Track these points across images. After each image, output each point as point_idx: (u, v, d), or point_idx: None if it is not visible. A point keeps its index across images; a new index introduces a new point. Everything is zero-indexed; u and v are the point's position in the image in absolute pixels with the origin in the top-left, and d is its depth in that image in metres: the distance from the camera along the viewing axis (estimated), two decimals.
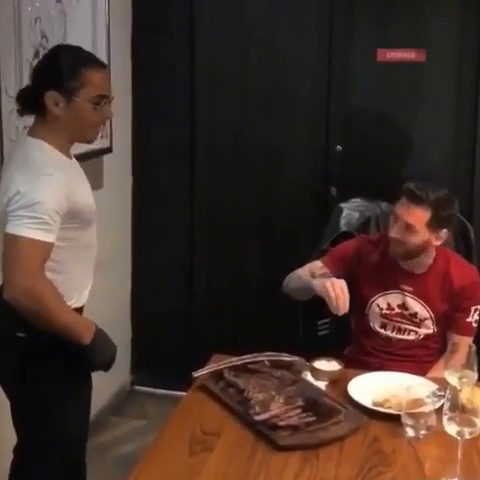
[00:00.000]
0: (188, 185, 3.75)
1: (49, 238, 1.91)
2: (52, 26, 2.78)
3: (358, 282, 2.62)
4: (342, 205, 3.01)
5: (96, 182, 3.35)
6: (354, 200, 3.01)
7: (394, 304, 2.58)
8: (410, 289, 2.56)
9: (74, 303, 2.10)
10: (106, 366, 2.10)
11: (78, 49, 2.11)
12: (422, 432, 1.85)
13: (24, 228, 1.87)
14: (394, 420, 1.92)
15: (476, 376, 1.95)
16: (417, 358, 2.57)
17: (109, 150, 3.35)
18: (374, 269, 2.60)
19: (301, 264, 2.74)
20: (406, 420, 1.85)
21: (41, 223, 1.89)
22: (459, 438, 1.69)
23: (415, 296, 2.55)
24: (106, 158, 3.38)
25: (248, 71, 3.63)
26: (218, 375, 2.18)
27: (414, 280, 2.56)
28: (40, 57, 2.62)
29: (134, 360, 3.97)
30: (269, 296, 3.57)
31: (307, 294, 2.54)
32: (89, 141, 2.13)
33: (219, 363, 2.22)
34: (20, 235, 1.88)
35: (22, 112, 2.09)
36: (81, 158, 2.77)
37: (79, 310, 2.14)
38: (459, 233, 2.89)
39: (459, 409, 1.72)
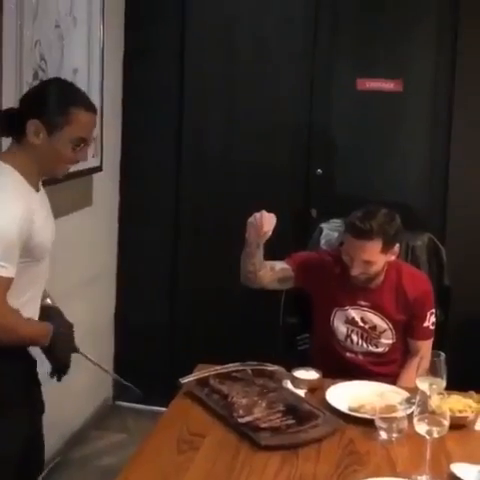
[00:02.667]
0: (173, 204, 3.88)
1: (6, 273, 1.86)
2: (50, 49, 2.90)
3: (319, 295, 2.71)
4: (322, 225, 3.15)
5: (85, 200, 3.47)
6: (334, 220, 3.14)
7: (356, 318, 2.66)
8: (367, 304, 2.65)
9: None
10: (62, 367, 2.10)
11: (72, 86, 2.09)
12: (394, 435, 1.99)
13: None
14: (368, 424, 2.05)
15: (444, 383, 2.09)
16: (385, 373, 2.64)
17: (99, 169, 3.46)
18: (334, 284, 2.67)
19: None
20: (380, 424, 2.00)
21: None
22: (428, 437, 1.82)
23: (372, 310, 2.64)
24: (96, 176, 3.50)
25: (234, 96, 3.78)
26: (203, 382, 2.28)
27: (370, 294, 2.64)
28: (39, 79, 2.77)
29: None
30: (250, 312, 3.68)
31: (250, 258, 2.62)
32: (56, 176, 2.08)
33: (204, 371, 2.34)
34: None
35: (1, 132, 2.08)
36: (72, 176, 2.90)
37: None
38: (432, 254, 3.04)
39: (429, 412, 1.85)
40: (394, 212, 2.59)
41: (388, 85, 3.56)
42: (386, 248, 2.53)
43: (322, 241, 3.08)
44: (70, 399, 3.47)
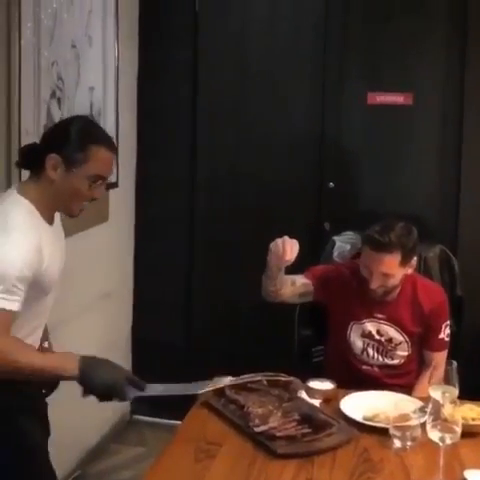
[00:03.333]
0: (188, 219, 3.93)
1: (13, 306, 1.86)
2: (67, 69, 2.97)
3: (337, 308, 2.75)
4: (335, 238, 3.18)
5: (102, 215, 3.52)
6: (346, 233, 3.18)
7: (373, 331, 2.70)
8: (383, 316, 2.68)
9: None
10: (105, 391, 1.94)
11: (94, 124, 2.14)
12: (408, 443, 2.03)
13: None
14: (383, 433, 2.08)
15: (457, 391, 2.12)
16: (401, 384, 2.66)
17: (115, 185, 3.52)
18: (350, 297, 2.71)
19: None
20: (394, 432, 2.03)
21: (5, 292, 1.83)
22: (441, 443, 1.85)
23: (388, 322, 2.68)
24: (112, 192, 3.55)
25: (246, 112, 3.83)
26: (220, 393, 2.32)
27: (386, 307, 2.68)
28: (56, 97, 2.84)
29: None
30: (265, 325, 3.71)
31: (271, 280, 2.64)
32: (71, 215, 2.05)
33: (220, 382, 2.37)
34: None
35: (20, 165, 2.07)
36: None
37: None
38: (444, 264, 3.07)
39: (441, 419, 1.88)
40: (411, 225, 2.62)
41: (398, 98, 3.60)
42: (404, 261, 2.56)
43: (335, 253, 3.11)
44: (88, 413, 3.50)
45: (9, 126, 2.63)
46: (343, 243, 3.13)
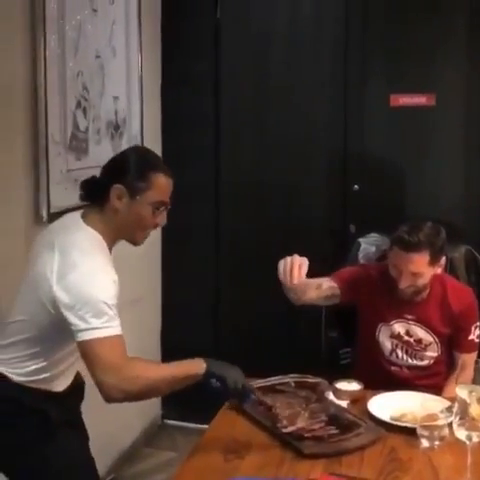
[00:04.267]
0: (214, 225, 3.97)
1: (118, 330, 1.93)
2: (92, 79, 3.03)
3: (365, 310, 2.75)
4: (360, 240, 3.19)
5: None
6: (371, 235, 3.19)
7: (402, 332, 2.69)
8: (412, 317, 2.68)
9: (57, 387, 2.11)
10: (239, 387, 2.02)
11: (151, 153, 2.20)
12: (436, 443, 2.02)
13: (93, 332, 1.88)
14: (410, 433, 2.09)
15: None
16: (430, 385, 2.64)
17: None
18: (381, 295, 2.70)
19: None
20: (421, 432, 2.03)
21: (108, 321, 1.90)
22: (468, 442, 1.86)
23: (418, 323, 2.67)
24: None
25: (269, 117, 3.86)
26: None
27: (415, 308, 2.67)
28: (82, 107, 2.89)
29: (164, 395, 4.11)
30: (292, 328, 3.73)
31: (288, 292, 2.57)
32: (136, 243, 2.13)
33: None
34: (88, 340, 1.89)
35: (84, 198, 2.11)
36: None
37: (60, 394, 2.12)
38: (470, 265, 3.06)
39: (468, 418, 1.89)
40: (439, 225, 2.62)
41: (421, 100, 3.60)
42: (433, 260, 2.56)
43: (360, 255, 3.12)
44: (120, 418, 3.56)
45: (36, 135, 2.69)
46: (368, 245, 3.14)
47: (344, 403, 2.35)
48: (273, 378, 2.42)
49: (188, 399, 3.97)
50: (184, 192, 3.90)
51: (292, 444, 2.05)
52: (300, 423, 2.12)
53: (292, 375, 2.44)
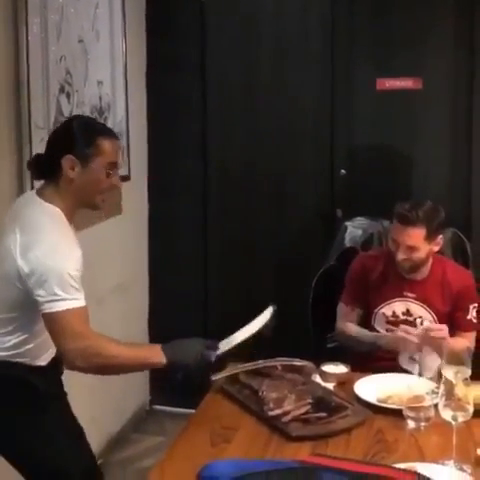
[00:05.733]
0: (201, 211, 3.95)
1: (83, 302, 1.99)
2: (75, 63, 3.00)
3: (365, 294, 2.80)
4: (347, 223, 3.20)
5: (115, 208, 3.55)
6: (358, 218, 3.20)
7: (399, 312, 2.74)
8: (413, 295, 2.74)
9: (40, 361, 2.15)
10: (197, 368, 2.09)
11: (93, 119, 2.27)
12: (422, 424, 2.04)
13: (60, 304, 1.94)
14: (397, 414, 2.10)
15: (469, 372, 2.12)
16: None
17: (128, 178, 3.55)
18: (378, 280, 2.79)
19: (309, 282, 3.03)
20: (407, 413, 2.05)
21: (74, 292, 1.96)
22: (453, 422, 1.86)
23: (418, 301, 2.73)
24: (125, 185, 3.56)
25: (256, 102, 3.85)
26: (234, 379, 2.35)
27: (415, 286, 2.75)
28: (65, 92, 2.87)
29: (152, 381, 4.12)
30: (280, 312, 3.71)
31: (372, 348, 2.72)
32: (96, 207, 2.17)
33: (234, 368, 2.40)
34: (55, 311, 1.95)
35: (36, 176, 2.18)
36: None
37: (43, 368, 2.15)
38: (457, 248, 3.07)
39: (454, 398, 1.89)
40: (440, 207, 2.72)
41: (407, 83, 3.60)
42: (430, 236, 2.65)
43: (347, 238, 3.13)
44: (109, 404, 3.56)
45: (19, 121, 2.66)
46: (355, 228, 3.16)
47: (331, 386, 2.35)
48: (260, 361, 2.41)
49: (176, 384, 4.01)
50: (171, 177, 3.95)
51: (278, 427, 2.05)
52: (287, 406, 2.12)
53: (279, 358, 2.43)
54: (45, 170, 2.11)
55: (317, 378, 2.39)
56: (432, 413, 2.04)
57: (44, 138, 2.73)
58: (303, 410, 2.11)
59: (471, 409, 1.89)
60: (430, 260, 2.74)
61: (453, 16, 3.56)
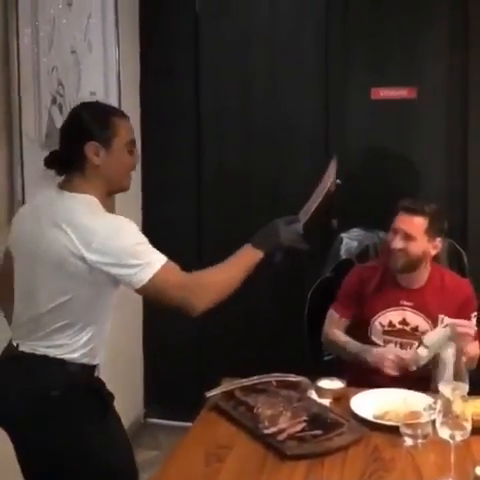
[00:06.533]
0: (195, 218, 3.92)
1: (164, 257, 2.03)
2: (67, 74, 2.97)
3: (361, 306, 2.78)
4: (342, 235, 3.17)
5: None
6: (353, 230, 3.17)
7: (395, 321, 2.72)
8: (410, 304, 2.71)
9: (97, 360, 2.13)
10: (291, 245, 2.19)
11: (99, 103, 2.23)
12: (419, 441, 2.00)
13: (147, 271, 1.96)
14: (393, 431, 2.06)
15: (467, 387, 2.09)
16: (418, 375, 2.61)
17: None
18: (375, 290, 2.76)
19: (305, 294, 3.01)
20: (404, 430, 2.01)
21: (153, 253, 2.00)
22: (451, 441, 1.83)
23: (415, 310, 2.70)
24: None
25: (250, 111, 3.82)
26: (229, 395, 2.31)
27: (413, 295, 2.72)
28: (57, 104, 2.83)
29: (147, 394, 4.09)
30: (276, 325, 3.70)
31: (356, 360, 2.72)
32: (125, 188, 2.15)
33: (229, 384, 2.36)
34: (149, 278, 1.97)
35: (61, 171, 2.09)
36: None
37: (84, 367, 2.10)
38: (453, 258, 3.04)
39: (451, 416, 1.86)
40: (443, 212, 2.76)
41: (402, 93, 3.58)
42: (430, 231, 2.65)
43: (342, 250, 3.11)
44: None
45: (10, 132, 2.63)
46: (350, 240, 3.13)
47: (326, 402, 2.32)
48: (254, 377, 2.38)
49: (170, 397, 3.99)
50: (165, 185, 3.92)
51: (274, 445, 2.02)
52: (282, 424, 2.09)
53: (274, 374, 2.40)
54: (68, 163, 2.06)
55: (313, 394, 2.35)
56: (429, 430, 2.00)
57: (36, 150, 2.71)
58: (299, 428, 2.08)
59: (469, 427, 1.85)
60: (428, 267, 2.72)
61: (448, 27, 3.55)
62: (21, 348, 2.06)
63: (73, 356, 2.05)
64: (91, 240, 1.93)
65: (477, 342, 2.69)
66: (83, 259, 1.94)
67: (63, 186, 2.07)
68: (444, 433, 1.84)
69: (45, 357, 2.03)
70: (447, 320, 2.53)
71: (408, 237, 2.63)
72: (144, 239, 2.01)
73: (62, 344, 2.04)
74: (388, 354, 2.58)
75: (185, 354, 3.96)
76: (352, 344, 2.74)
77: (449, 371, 2.31)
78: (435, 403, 2.14)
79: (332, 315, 2.85)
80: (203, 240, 3.95)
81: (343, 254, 3.09)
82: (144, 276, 1.96)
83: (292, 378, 2.41)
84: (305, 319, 3.06)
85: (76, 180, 2.05)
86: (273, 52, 3.78)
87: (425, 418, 2.05)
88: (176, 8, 3.83)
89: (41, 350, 2.04)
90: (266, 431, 2.07)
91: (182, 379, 3.96)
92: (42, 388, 2.00)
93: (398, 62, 3.61)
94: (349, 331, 2.83)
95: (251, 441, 2.08)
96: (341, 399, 2.34)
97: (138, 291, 1.99)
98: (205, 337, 3.96)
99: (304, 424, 2.10)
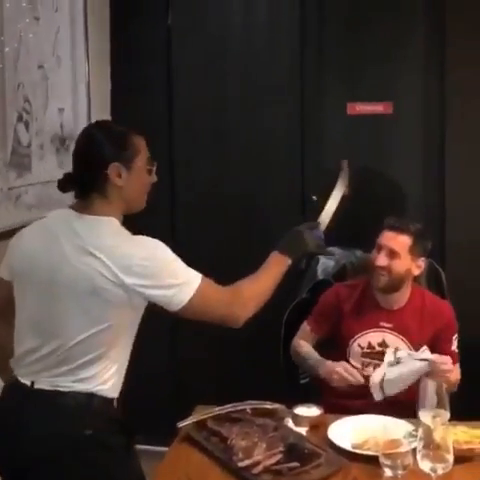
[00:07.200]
0: (169, 238, 3.79)
1: (198, 275, 2.01)
2: (34, 90, 2.88)
3: (339, 325, 2.72)
4: (319, 255, 3.09)
5: None
6: (330, 249, 3.10)
7: (374, 342, 2.66)
8: (389, 325, 2.66)
9: (117, 393, 2.04)
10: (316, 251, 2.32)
11: (108, 121, 2.17)
12: (400, 472, 1.93)
13: (186, 291, 1.95)
14: (373, 461, 1.98)
15: (448, 415, 2.03)
16: (398, 399, 2.57)
17: None
18: (353, 310, 2.71)
19: (280, 316, 2.93)
20: (384, 461, 1.94)
21: (187, 273, 1.99)
22: (433, 474, 1.76)
23: (395, 332, 2.65)
24: None
25: (224, 127, 3.74)
26: (202, 425, 2.22)
27: (392, 316, 2.67)
28: (23, 121, 2.74)
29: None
30: (252, 348, 3.61)
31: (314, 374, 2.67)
32: (141, 208, 2.10)
33: (202, 413, 2.28)
34: (189, 298, 1.95)
35: (80, 195, 2.00)
36: None
37: (112, 401, 2.02)
38: (432, 278, 2.99)
39: (433, 446, 1.79)
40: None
41: (378, 108, 3.54)
42: (413, 250, 2.64)
43: (319, 270, 3.04)
44: None
45: None
46: (327, 259, 3.06)
47: (303, 430, 2.25)
48: (229, 405, 2.30)
49: (147, 423, 3.87)
50: None
51: (248, 479, 1.93)
52: (257, 456, 2.01)
53: (248, 402, 2.32)
54: (88, 186, 1.98)
55: (289, 422, 2.28)
56: (410, 460, 1.93)
57: (0, 170, 2.62)
58: (274, 460, 2.00)
59: (451, 458, 1.79)
60: (408, 288, 2.69)
61: (424, 41, 3.50)
62: (38, 385, 1.92)
63: (103, 388, 1.95)
64: (129, 264, 1.88)
65: (457, 366, 2.64)
66: (122, 285, 1.88)
67: (81, 209, 1.98)
68: (425, 466, 1.78)
69: (72, 393, 1.91)
70: (427, 354, 2.49)
71: (392, 254, 2.61)
72: (176, 256, 1.99)
73: (90, 376, 1.93)
74: (337, 366, 2.51)
75: (160, 379, 3.84)
76: (311, 356, 2.71)
77: (430, 400, 2.25)
78: (416, 430, 2.09)
79: (304, 328, 2.82)
80: (177, 252, 3.84)
81: (320, 274, 3.03)
82: (184, 296, 1.94)
83: (268, 405, 2.33)
84: (281, 341, 2.98)
85: (97, 202, 1.97)
86: (247, 66, 3.70)
87: (405, 447, 1.97)
88: (148, 21, 3.75)
89: (66, 385, 1.91)
90: (240, 464, 1.99)
91: (157, 404, 3.85)
92: (74, 427, 1.89)
93: (374, 77, 3.55)
94: (328, 353, 2.74)
95: (225, 474, 2.01)
96: (319, 427, 2.27)
97: (177, 312, 1.96)
98: (181, 361, 3.86)
99: (280, 456, 2.03)
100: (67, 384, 1.91)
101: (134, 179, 2.00)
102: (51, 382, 1.91)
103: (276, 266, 2.17)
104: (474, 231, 3.49)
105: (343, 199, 2.32)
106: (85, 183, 1.98)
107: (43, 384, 1.92)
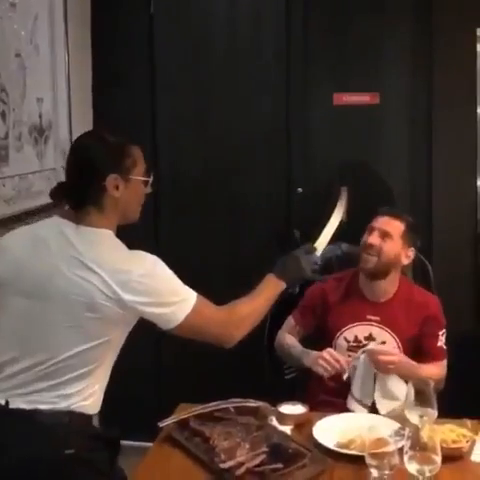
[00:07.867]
0: (153, 237, 3.73)
1: (194, 293, 1.99)
2: (11, 80, 2.78)
3: (325, 319, 2.68)
4: None
5: None
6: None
7: (361, 336, 2.62)
8: (377, 318, 2.62)
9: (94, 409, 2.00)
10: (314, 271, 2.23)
11: (104, 130, 2.05)
12: (386, 472, 1.87)
13: (183, 308, 1.93)
14: (358, 461, 1.94)
15: (436, 414, 1.98)
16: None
17: None
18: (340, 303, 2.68)
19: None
20: (370, 461, 1.89)
21: (184, 291, 1.96)
22: (420, 476, 1.71)
23: (382, 325, 2.61)
24: None
25: (209, 118, 3.68)
26: (184, 424, 2.17)
27: (379, 309, 2.63)
28: (0, 111, 2.66)
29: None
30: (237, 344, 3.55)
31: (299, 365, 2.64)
32: (135, 220, 2.07)
33: (184, 412, 2.22)
34: (185, 316, 1.93)
35: (75, 206, 1.95)
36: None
37: (91, 417, 1.98)
38: (418, 271, 2.95)
39: (420, 447, 1.74)
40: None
41: (364, 98, 3.50)
42: (405, 237, 2.62)
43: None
44: None
45: None
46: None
47: (288, 428, 2.20)
48: (211, 404, 2.24)
49: (126, 417, 3.82)
50: None
51: None
52: (240, 457, 1.95)
53: (232, 400, 2.26)
54: (83, 196, 1.94)
55: (273, 420, 2.22)
56: (396, 460, 1.87)
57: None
58: (257, 461, 1.95)
59: (439, 459, 1.74)
60: (396, 280, 2.65)
61: (411, 32, 3.46)
62: (13, 405, 1.84)
63: (84, 404, 1.90)
64: (127, 280, 1.85)
65: (444, 362, 2.60)
66: (119, 301, 1.84)
67: (76, 219, 1.93)
68: (412, 468, 1.73)
69: (51, 411, 1.84)
70: (369, 347, 2.50)
71: (385, 235, 2.60)
72: (170, 271, 1.95)
73: (73, 393, 1.87)
74: (323, 353, 2.47)
75: (142, 373, 3.79)
76: (296, 346, 2.68)
77: (361, 383, 2.36)
78: (403, 429, 2.05)
79: (289, 321, 2.80)
80: (163, 256, 3.77)
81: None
82: (180, 315, 1.93)
83: (251, 403, 2.27)
84: (265, 336, 2.93)
85: (93, 213, 1.93)
86: (232, 55, 3.64)
87: (391, 447, 1.92)
88: (131, 9, 3.67)
89: (45, 401, 1.84)
90: (223, 465, 1.93)
91: (139, 399, 3.80)
92: (54, 446, 1.82)
93: (361, 67, 3.51)
94: (313, 347, 2.69)
95: (207, 476, 1.95)
96: (304, 425, 2.22)
97: (172, 330, 1.94)
98: (164, 356, 3.80)
99: (263, 456, 1.97)
100: (46, 400, 1.84)
101: (131, 191, 1.97)
102: (28, 400, 1.84)
103: (271, 289, 2.17)
104: (460, 220, 3.49)
105: (340, 225, 2.33)
106: (81, 194, 1.94)
107: (19, 403, 1.84)
